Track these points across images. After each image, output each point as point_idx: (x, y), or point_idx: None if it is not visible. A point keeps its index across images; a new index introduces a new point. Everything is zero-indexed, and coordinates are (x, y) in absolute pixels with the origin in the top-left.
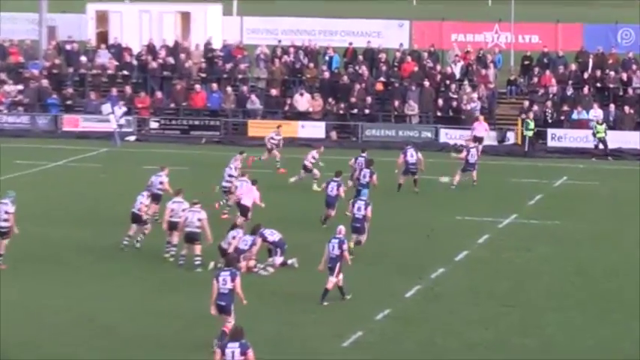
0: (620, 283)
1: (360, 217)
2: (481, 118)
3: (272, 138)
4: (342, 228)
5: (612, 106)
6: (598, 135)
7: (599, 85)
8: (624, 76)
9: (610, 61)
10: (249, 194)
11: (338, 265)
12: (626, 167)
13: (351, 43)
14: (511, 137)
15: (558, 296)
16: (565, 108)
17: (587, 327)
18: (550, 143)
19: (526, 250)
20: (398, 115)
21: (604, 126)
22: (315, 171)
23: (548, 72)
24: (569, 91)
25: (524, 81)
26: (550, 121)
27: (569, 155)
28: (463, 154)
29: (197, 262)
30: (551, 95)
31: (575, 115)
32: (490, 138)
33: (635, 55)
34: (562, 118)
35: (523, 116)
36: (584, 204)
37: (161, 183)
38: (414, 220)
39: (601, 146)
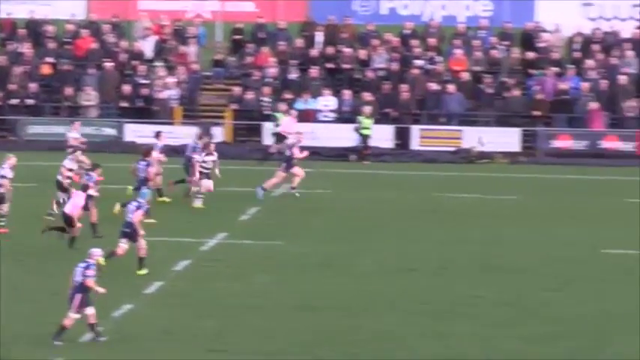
0: (356, 322)
1: (132, 220)
2: (293, 113)
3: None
4: (95, 251)
5: (348, 93)
6: (364, 132)
7: (330, 65)
8: (362, 53)
9: (344, 35)
10: (75, 201)
11: (78, 297)
12: (367, 171)
13: (9, 14)
14: (218, 133)
15: (276, 339)
16: (287, 95)
17: None
18: (268, 141)
19: (238, 278)
20: (71, 106)
21: (372, 120)
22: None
23: (265, 49)
24: (293, 74)
25: (235, 61)
26: (268, 112)
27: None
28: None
29: None
30: (269, 79)
31: (300, 105)
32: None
33: (376, 27)
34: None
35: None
36: (312, 219)
37: (2, 177)
38: (86, 243)
39: (356, 143)
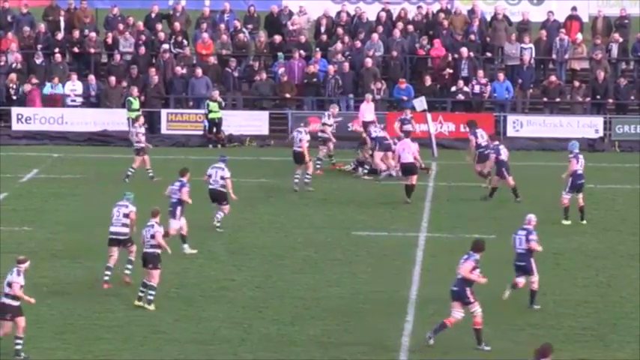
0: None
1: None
2: (369, 97)
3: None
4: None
5: (92, 77)
6: (212, 115)
7: (76, 49)
8: (108, 37)
9: (86, 20)
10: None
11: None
12: (115, 156)
13: None
14: None
15: None
16: (34, 80)
17: None
18: (16, 126)
19: None
20: None
21: (219, 104)
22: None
23: (10, 34)
24: (38, 59)
25: None
26: (15, 97)
27: (52, 142)
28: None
29: None
30: (14, 64)
31: (47, 89)
32: None
33: (120, 10)
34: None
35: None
36: (58, 204)
37: (222, 178)
38: None
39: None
